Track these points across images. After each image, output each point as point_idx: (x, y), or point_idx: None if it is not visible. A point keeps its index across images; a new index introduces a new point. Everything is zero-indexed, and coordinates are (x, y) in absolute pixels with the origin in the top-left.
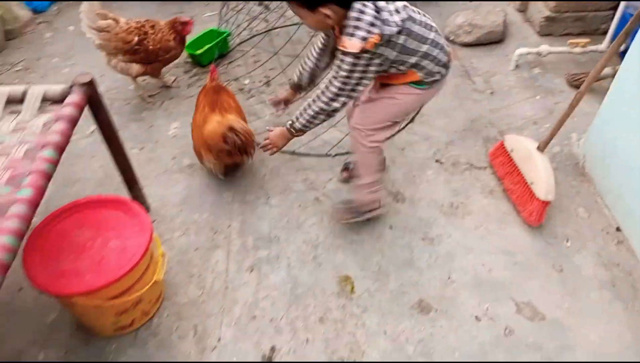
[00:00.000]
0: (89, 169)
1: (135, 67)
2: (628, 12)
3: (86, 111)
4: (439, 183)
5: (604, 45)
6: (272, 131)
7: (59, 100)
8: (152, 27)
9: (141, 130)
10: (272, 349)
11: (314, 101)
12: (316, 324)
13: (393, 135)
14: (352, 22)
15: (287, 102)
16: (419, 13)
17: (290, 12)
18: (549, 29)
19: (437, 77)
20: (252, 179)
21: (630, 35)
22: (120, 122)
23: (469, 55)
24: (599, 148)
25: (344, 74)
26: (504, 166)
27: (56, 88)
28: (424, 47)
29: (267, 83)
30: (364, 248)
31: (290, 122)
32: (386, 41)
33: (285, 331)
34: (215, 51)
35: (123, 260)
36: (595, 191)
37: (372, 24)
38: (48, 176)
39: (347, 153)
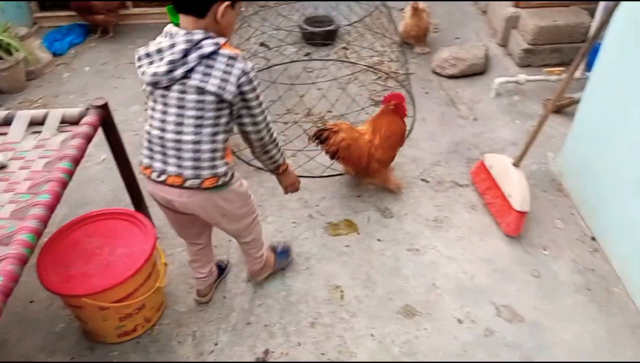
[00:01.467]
0: (99, 193)
1: None
2: (598, 43)
3: (99, 141)
4: (425, 199)
5: (578, 73)
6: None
7: (76, 121)
8: None
9: None
10: (266, 352)
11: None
12: (307, 328)
13: None
14: None
15: None
16: None
17: (288, 51)
18: (528, 61)
19: None
20: None
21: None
22: (130, 150)
23: (454, 86)
24: (572, 165)
25: None
26: (485, 182)
27: (74, 110)
28: None
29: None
30: (353, 260)
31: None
32: None
33: (278, 335)
34: None
35: (128, 264)
36: (571, 204)
37: None
38: (64, 184)
39: (339, 174)
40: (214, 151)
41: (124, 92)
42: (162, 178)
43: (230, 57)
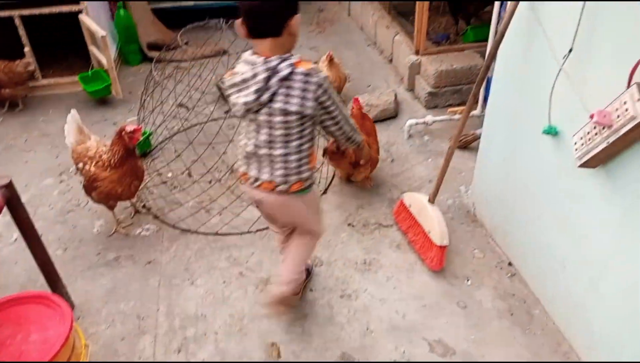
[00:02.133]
0: (12, 275)
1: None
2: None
3: (10, 220)
4: (352, 243)
5: (477, 110)
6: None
7: None
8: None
9: (65, 231)
10: None
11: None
12: None
13: None
14: None
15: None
16: None
17: (207, 110)
18: (434, 102)
19: None
20: (178, 263)
21: (485, 99)
22: (44, 226)
23: None
24: (483, 196)
25: None
26: (406, 221)
27: None
28: None
29: (189, 174)
30: (287, 314)
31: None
32: None
33: None
34: (136, 150)
35: (44, 351)
36: (487, 233)
37: None
38: None
39: (266, 228)
40: (300, 160)
41: (37, 166)
42: (257, 183)
43: (305, 75)
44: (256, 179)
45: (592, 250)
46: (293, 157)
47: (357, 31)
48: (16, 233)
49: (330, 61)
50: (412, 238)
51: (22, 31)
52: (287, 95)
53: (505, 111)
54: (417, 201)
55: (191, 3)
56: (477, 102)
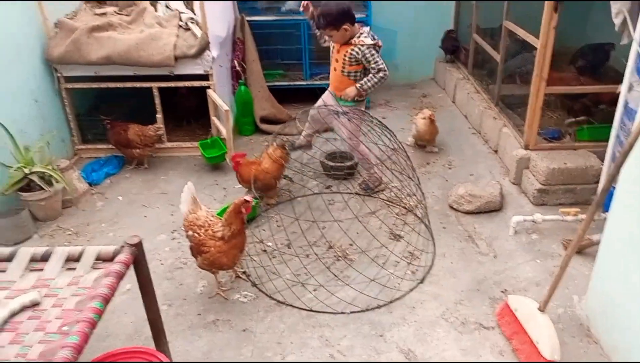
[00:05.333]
0: (121, 324)
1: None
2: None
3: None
4: (449, 341)
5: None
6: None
7: (110, 258)
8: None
9: (172, 287)
10: None
11: (371, 78)
12: None
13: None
14: (362, 32)
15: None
16: None
17: (311, 183)
18: (542, 200)
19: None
20: (272, 335)
21: (604, 206)
22: (155, 279)
23: (471, 221)
24: (599, 309)
25: (374, 56)
26: (511, 326)
27: (109, 248)
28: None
29: (288, 246)
30: None
31: (359, 85)
32: (378, 47)
33: None
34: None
35: None
36: (603, 352)
37: (372, 36)
38: (94, 325)
39: (361, 311)
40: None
41: (153, 222)
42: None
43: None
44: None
45: None
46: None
47: (461, 118)
48: (129, 285)
49: (431, 121)
50: (517, 347)
51: (157, 100)
52: None
53: (630, 219)
54: (524, 306)
55: (303, 83)
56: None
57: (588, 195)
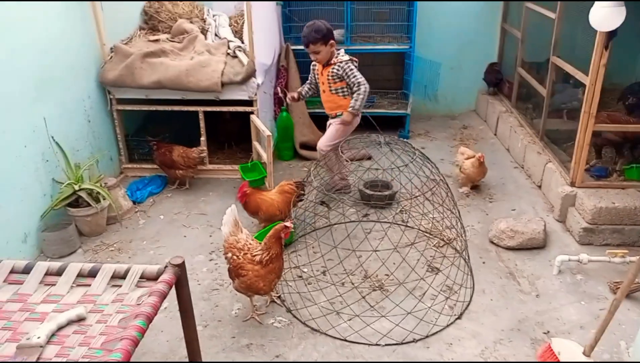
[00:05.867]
0: (157, 342)
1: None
2: None
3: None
4: None
5: None
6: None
7: (154, 278)
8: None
9: (207, 308)
10: None
11: (356, 96)
12: None
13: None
14: (338, 52)
15: (295, 99)
16: None
17: (349, 211)
18: (588, 239)
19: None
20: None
21: None
22: (192, 299)
23: (513, 258)
24: None
25: (353, 71)
26: None
27: (153, 267)
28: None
29: (324, 273)
30: None
31: (350, 108)
32: (355, 62)
33: None
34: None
35: None
36: None
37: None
38: (137, 343)
39: (396, 344)
40: None
41: (192, 242)
42: None
43: None
44: None
45: None
46: None
47: (503, 151)
48: (167, 303)
49: (480, 163)
50: None
51: (202, 123)
52: None
53: None
54: (568, 350)
55: None
56: None
57: (636, 236)
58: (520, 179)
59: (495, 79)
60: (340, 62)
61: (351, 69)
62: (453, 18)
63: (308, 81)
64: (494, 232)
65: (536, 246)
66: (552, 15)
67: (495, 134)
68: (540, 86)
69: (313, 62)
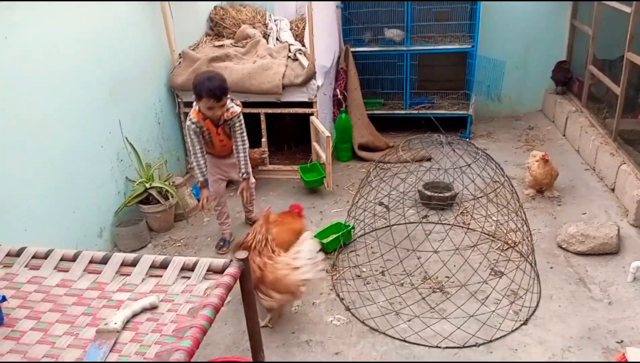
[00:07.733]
0: (221, 335)
1: None
2: None
3: None
4: None
5: None
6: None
7: (220, 271)
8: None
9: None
10: None
11: (243, 158)
12: None
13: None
14: (230, 103)
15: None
16: None
17: (408, 212)
18: None
19: None
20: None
21: None
22: None
23: (583, 263)
24: None
25: (242, 124)
26: None
27: (219, 261)
28: None
29: (383, 273)
30: None
31: (246, 174)
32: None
33: None
34: (340, 241)
35: None
36: None
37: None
38: (205, 331)
39: (457, 347)
40: None
41: None
42: None
43: None
44: None
45: None
46: None
47: (572, 153)
48: (230, 297)
49: (545, 162)
50: None
51: (263, 125)
52: None
53: None
54: None
55: (403, 112)
56: None
57: None
58: (592, 181)
59: (565, 78)
60: (234, 114)
61: (241, 122)
62: (518, 16)
63: (200, 153)
64: (563, 236)
65: (609, 251)
66: (627, 9)
67: (564, 135)
68: (614, 84)
69: (193, 127)
